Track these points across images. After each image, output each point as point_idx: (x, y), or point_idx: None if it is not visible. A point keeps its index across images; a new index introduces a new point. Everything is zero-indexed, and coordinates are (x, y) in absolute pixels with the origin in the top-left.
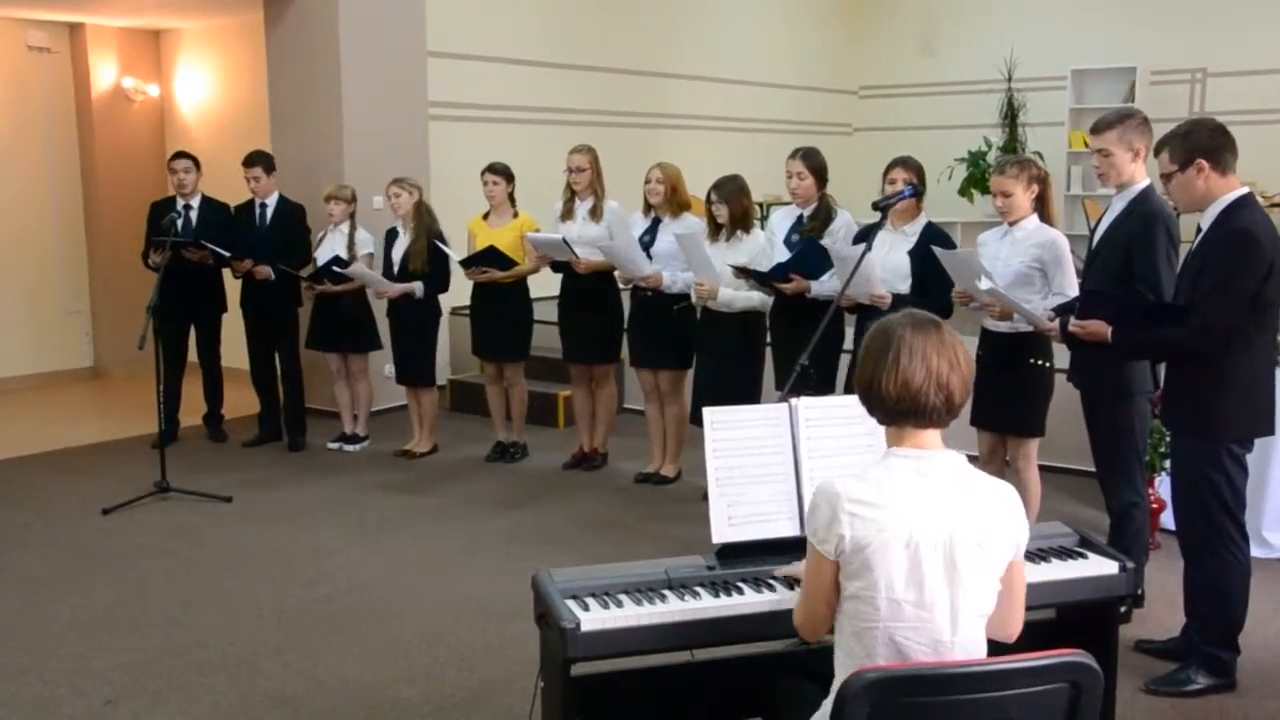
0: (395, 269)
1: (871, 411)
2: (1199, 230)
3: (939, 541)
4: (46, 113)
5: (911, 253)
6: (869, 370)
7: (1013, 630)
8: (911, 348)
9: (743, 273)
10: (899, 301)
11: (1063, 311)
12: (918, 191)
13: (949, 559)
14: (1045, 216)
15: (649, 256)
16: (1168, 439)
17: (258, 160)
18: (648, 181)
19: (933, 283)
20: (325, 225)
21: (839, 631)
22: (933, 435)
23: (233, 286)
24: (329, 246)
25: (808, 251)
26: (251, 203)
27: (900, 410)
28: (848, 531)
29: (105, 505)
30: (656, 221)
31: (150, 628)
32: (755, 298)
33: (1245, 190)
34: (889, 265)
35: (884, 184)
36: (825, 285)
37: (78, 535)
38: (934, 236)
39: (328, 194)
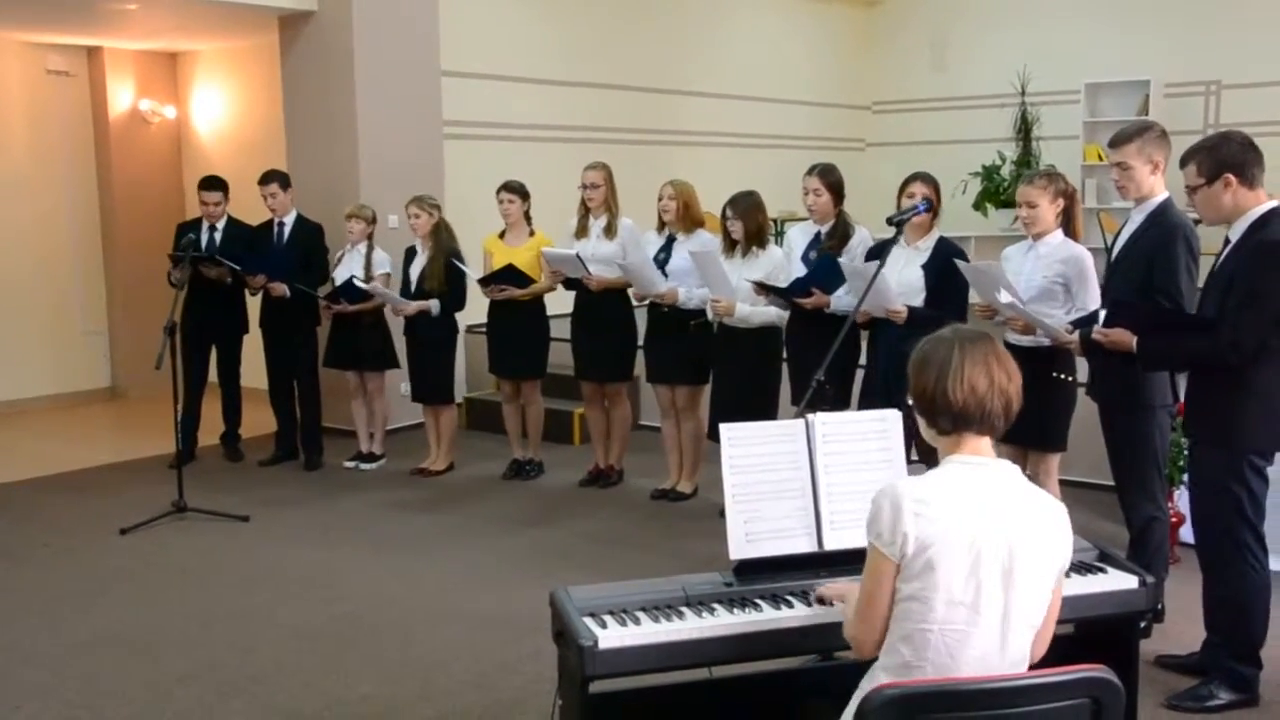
0: (413, 287)
1: (933, 422)
2: (1227, 242)
3: (998, 548)
4: (65, 135)
5: (925, 267)
6: (930, 380)
7: (1041, 650)
8: (973, 357)
9: (762, 288)
10: (914, 315)
11: (1082, 324)
12: (932, 206)
13: (1006, 567)
14: (1070, 232)
15: (665, 274)
16: (1186, 452)
17: (273, 177)
18: (660, 199)
19: (947, 297)
20: (344, 245)
21: (886, 634)
22: (987, 445)
23: (254, 307)
24: (347, 267)
25: (824, 267)
26: (271, 222)
27: (965, 417)
28: (912, 530)
29: (123, 525)
30: (671, 239)
31: (169, 647)
32: (772, 313)
33: (1275, 203)
34: (903, 281)
35: (901, 198)
36: (844, 300)
37: (96, 555)
38: (947, 251)
39: (349, 212)
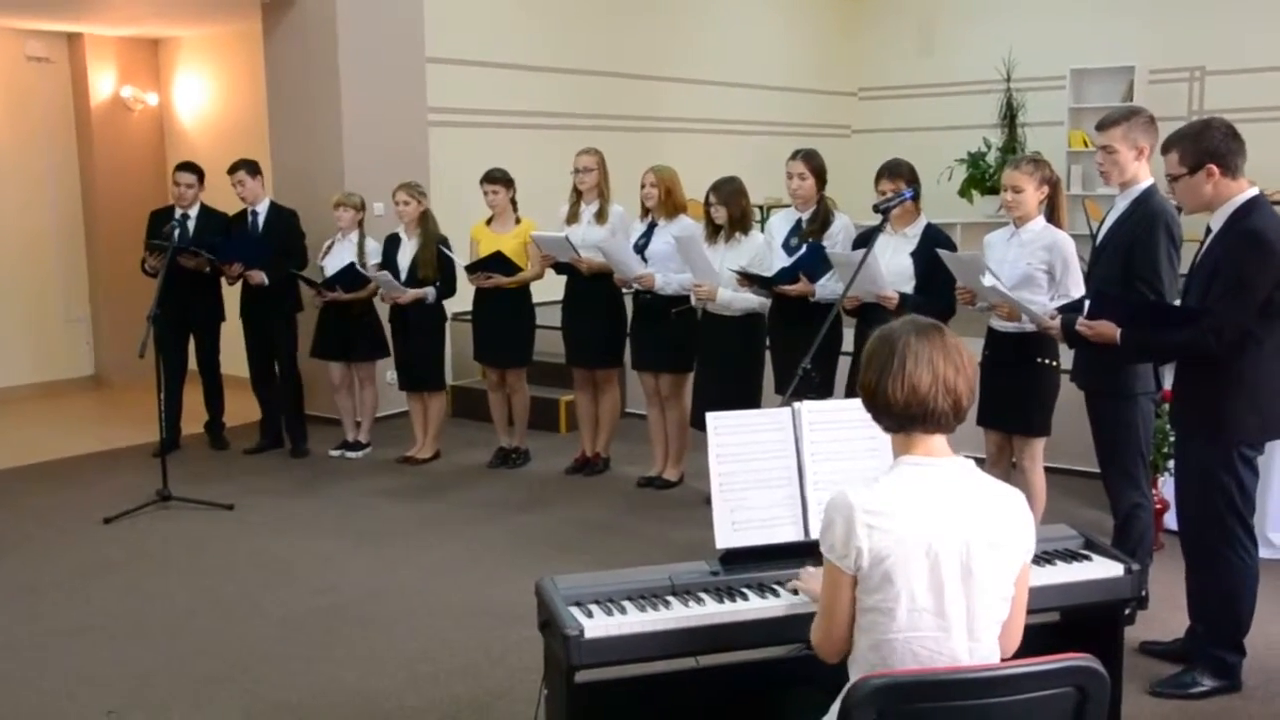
0: (402, 276)
1: (878, 419)
2: (1208, 231)
3: (955, 549)
4: (46, 122)
5: (914, 254)
6: (874, 377)
7: (1012, 643)
8: (917, 353)
9: (746, 278)
10: (905, 302)
11: (1066, 310)
12: (917, 193)
13: (965, 566)
14: (1054, 220)
15: (644, 259)
16: (1171, 439)
17: (240, 166)
18: (643, 186)
19: (936, 284)
20: (332, 233)
21: (853, 643)
22: (940, 442)
23: (231, 296)
24: (338, 255)
25: (810, 255)
26: (245, 211)
27: (908, 416)
28: (866, 544)
29: (106, 514)
30: (652, 225)
31: (152, 637)
32: (754, 299)
33: (1256, 191)
34: (892, 269)
35: (876, 192)
36: (827, 288)
37: (79, 545)
38: (934, 237)
39: (336, 200)
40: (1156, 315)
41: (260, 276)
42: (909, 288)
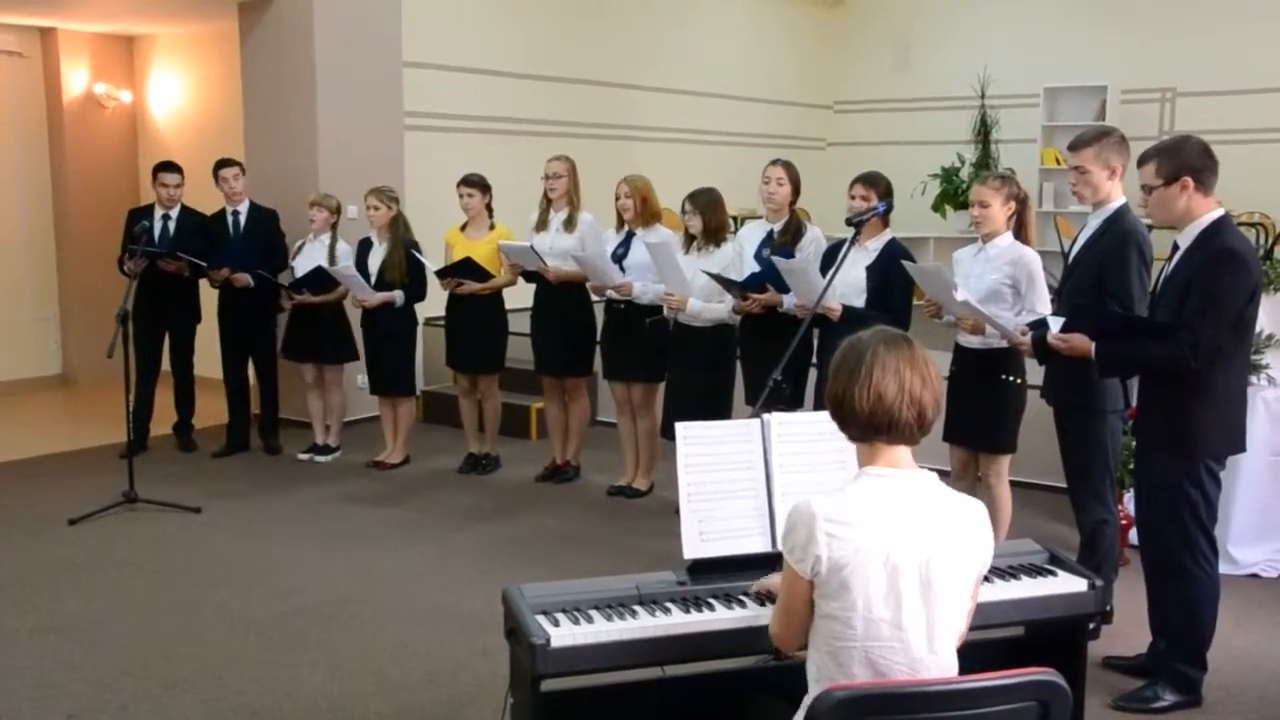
0: (371, 279)
1: (844, 428)
2: (1175, 248)
3: (916, 561)
4: (17, 118)
5: (870, 268)
6: (841, 386)
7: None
8: (884, 363)
9: (719, 280)
10: (849, 314)
11: (1036, 326)
12: (889, 208)
13: (925, 579)
14: (1022, 237)
15: (622, 269)
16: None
17: (235, 162)
18: (618, 198)
19: (890, 299)
20: (304, 234)
21: (812, 648)
22: (904, 454)
23: (207, 296)
24: (309, 256)
25: (773, 269)
26: (224, 211)
27: (873, 426)
28: (825, 552)
29: (72, 515)
30: (630, 234)
31: (116, 640)
32: (723, 310)
33: (1223, 211)
34: (846, 280)
35: (848, 197)
36: (795, 299)
37: (43, 546)
38: (896, 253)
39: (312, 200)
40: (1131, 330)
41: (246, 279)
42: (860, 300)
